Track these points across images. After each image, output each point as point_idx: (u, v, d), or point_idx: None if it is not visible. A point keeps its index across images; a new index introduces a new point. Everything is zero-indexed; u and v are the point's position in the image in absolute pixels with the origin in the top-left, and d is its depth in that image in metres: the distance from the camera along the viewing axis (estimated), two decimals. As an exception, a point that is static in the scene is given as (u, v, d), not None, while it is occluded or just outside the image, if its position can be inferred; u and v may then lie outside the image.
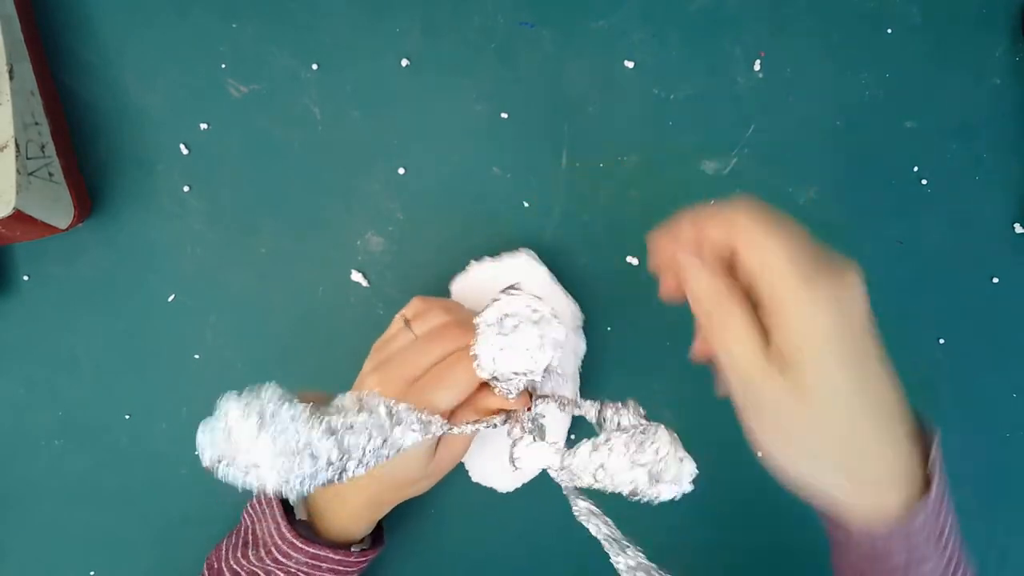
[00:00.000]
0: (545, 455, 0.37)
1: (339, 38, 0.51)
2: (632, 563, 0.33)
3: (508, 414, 0.40)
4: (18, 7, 0.48)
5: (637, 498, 0.34)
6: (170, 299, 0.51)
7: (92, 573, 0.51)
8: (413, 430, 0.35)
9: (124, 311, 0.51)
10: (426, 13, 0.51)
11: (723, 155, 0.51)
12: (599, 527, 0.35)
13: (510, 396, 0.39)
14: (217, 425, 0.31)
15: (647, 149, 0.51)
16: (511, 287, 0.38)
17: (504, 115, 0.51)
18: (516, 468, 0.38)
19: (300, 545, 0.42)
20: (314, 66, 0.51)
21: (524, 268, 0.48)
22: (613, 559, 0.33)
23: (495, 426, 0.39)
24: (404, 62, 0.51)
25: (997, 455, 0.51)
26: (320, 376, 0.50)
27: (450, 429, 0.37)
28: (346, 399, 0.35)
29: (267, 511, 0.44)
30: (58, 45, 0.50)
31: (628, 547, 0.34)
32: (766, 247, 0.30)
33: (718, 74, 0.51)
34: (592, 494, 0.36)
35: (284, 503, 0.44)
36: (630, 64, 0.51)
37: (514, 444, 0.38)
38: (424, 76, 0.51)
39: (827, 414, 0.29)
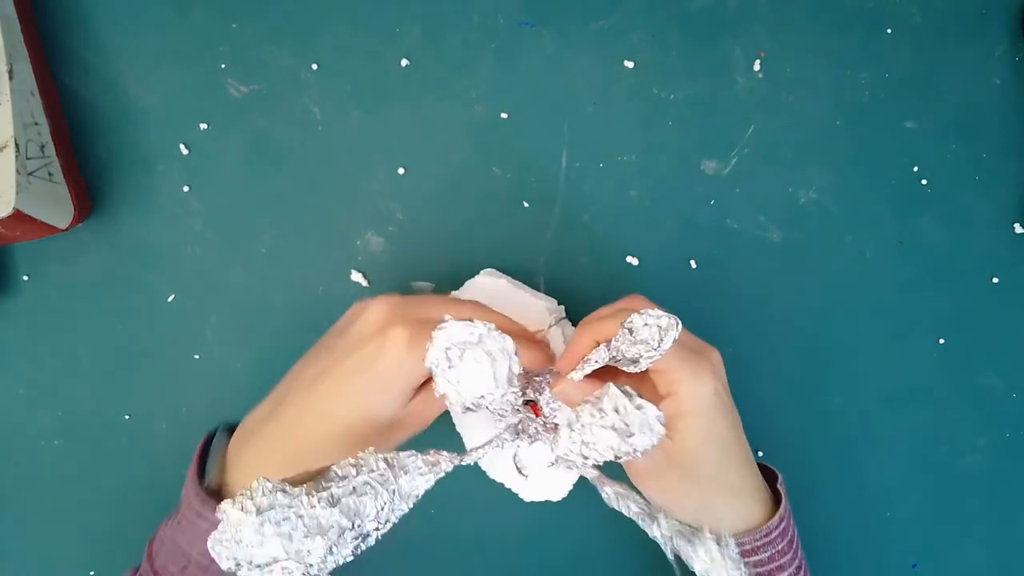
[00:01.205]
0: (544, 453, 0.37)
1: (339, 38, 0.51)
2: (667, 531, 0.36)
3: (516, 427, 0.40)
4: (18, 7, 0.48)
5: (623, 458, 0.34)
6: (170, 299, 0.51)
7: (92, 573, 0.51)
8: (421, 474, 0.35)
9: (124, 311, 0.51)
10: (426, 13, 0.51)
11: (723, 155, 0.51)
12: (630, 507, 0.37)
13: (504, 417, 0.39)
14: (224, 535, 0.31)
15: (647, 149, 0.51)
16: (442, 321, 0.38)
17: (504, 115, 0.51)
18: (525, 476, 0.38)
19: (205, 515, 0.39)
20: (314, 66, 0.51)
21: (485, 287, 0.48)
22: (649, 533, 0.36)
23: (502, 445, 0.39)
24: (404, 62, 0.51)
25: (997, 455, 0.51)
26: (320, 376, 0.50)
27: (461, 461, 0.37)
28: (343, 465, 0.35)
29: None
30: (58, 45, 0.50)
31: (659, 516, 0.36)
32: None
33: (718, 74, 0.51)
34: (616, 474, 0.39)
35: (202, 461, 0.42)
36: (630, 64, 0.51)
37: (515, 455, 0.38)
38: (424, 76, 0.51)
39: (702, 460, 0.38)
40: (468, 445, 0.49)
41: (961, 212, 0.51)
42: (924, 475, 0.51)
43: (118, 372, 0.51)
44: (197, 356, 0.51)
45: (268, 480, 0.32)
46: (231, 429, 0.45)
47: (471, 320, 0.35)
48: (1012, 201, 0.51)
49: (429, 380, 0.39)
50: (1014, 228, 0.51)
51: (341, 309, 0.51)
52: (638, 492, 0.39)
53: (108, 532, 0.51)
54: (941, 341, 0.51)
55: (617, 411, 0.34)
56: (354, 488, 0.33)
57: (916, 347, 0.51)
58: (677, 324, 0.34)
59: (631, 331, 0.35)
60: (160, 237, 0.51)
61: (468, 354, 0.35)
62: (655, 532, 0.36)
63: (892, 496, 0.51)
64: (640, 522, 0.36)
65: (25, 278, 0.51)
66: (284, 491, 0.32)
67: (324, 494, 0.32)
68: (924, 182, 0.51)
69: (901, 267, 0.51)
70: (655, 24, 0.51)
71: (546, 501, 0.48)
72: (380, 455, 0.35)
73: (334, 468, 0.34)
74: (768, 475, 0.44)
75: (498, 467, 0.49)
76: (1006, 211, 0.51)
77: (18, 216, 0.44)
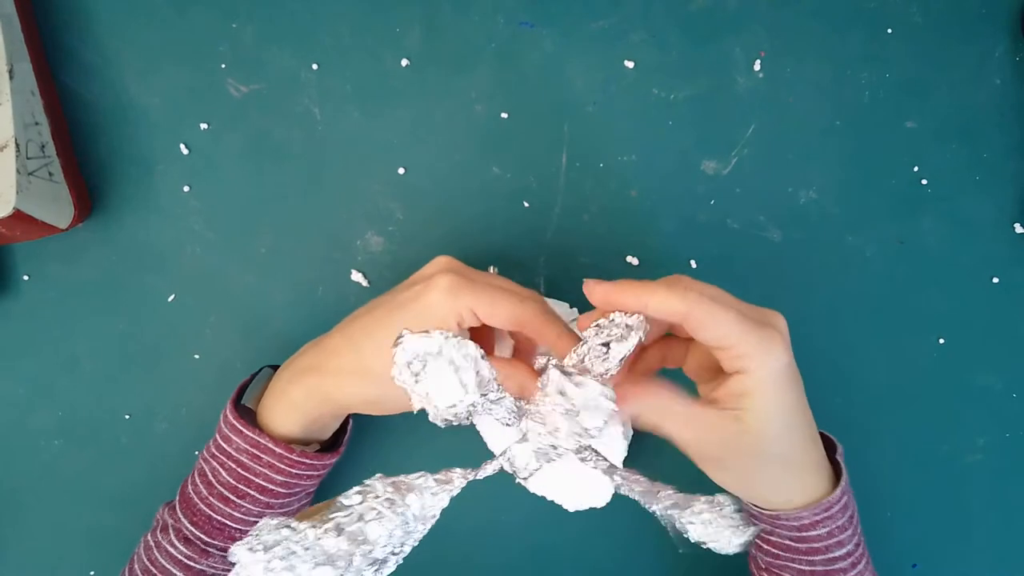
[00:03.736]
0: (530, 451, 0.37)
1: (339, 38, 0.51)
2: (667, 503, 0.34)
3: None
4: (18, 7, 0.48)
5: (589, 442, 0.34)
6: (170, 299, 0.51)
7: (92, 573, 0.51)
8: (433, 493, 0.34)
9: (124, 311, 0.51)
10: (426, 13, 0.51)
11: (723, 155, 0.51)
12: (632, 488, 0.36)
13: (511, 425, 0.38)
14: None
15: (647, 149, 0.51)
16: (398, 336, 0.38)
17: (504, 115, 0.51)
18: (525, 478, 0.38)
19: (239, 428, 0.41)
20: (314, 66, 0.51)
21: None
22: (649, 509, 0.35)
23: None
24: (404, 62, 0.51)
25: (997, 455, 0.51)
26: (320, 376, 0.50)
27: (475, 476, 0.36)
28: (348, 495, 0.35)
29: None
30: (58, 45, 0.50)
31: (660, 492, 0.35)
32: (717, 314, 0.34)
33: (718, 74, 0.51)
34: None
35: (240, 393, 0.43)
36: (630, 64, 0.51)
37: (507, 455, 0.38)
38: (424, 76, 0.51)
39: (772, 438, 0.36)
40: (491, 446, 0.48)
41: (961, 212, 0.51)
42: (924, 475, 0.51)
43: (118, 372, 0.51)
44: (197, 356, 0.51)
45: (272, 519, 0.32)
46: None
47: (427, 332, 0.34)
48: (1012, 201, 0.51)
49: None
50: (1014, 228, 0.51)
51: (341, 309, 0.51)
52: (642, 473, 0.38)
53: (108, 532, 0.51)
54: (941, 341, 0.51)
55: (562, 393, 0.34)
56: (360, 516, 0.33)
57: (916, 347, 0.51)
58: (643, 325, 0.34)
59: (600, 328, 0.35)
60: (160, 237, 0.51)
61: (431, 366, 0.35)
62: (654, 507, 0.35)
63: (892, 496, 0.51)
64: (642, 500, 0.35)
65: (25, 278, 0.51)
66: (289, 527, 0.32)
67: (329, 525, 0.32)
68: (924, 182, 0.51)
69: (901, 267, 0.51)
70: (655, 24, 0.51)
71: (591, 508, 0.47)
72: (387, 480, 0.34)
73: (339, 499, 0.34)
74: (827, 444, 0.41)
75: (537, 480, 0.48)
76: (1006, 211, 0.51)
77: (18, 216, 0.44)
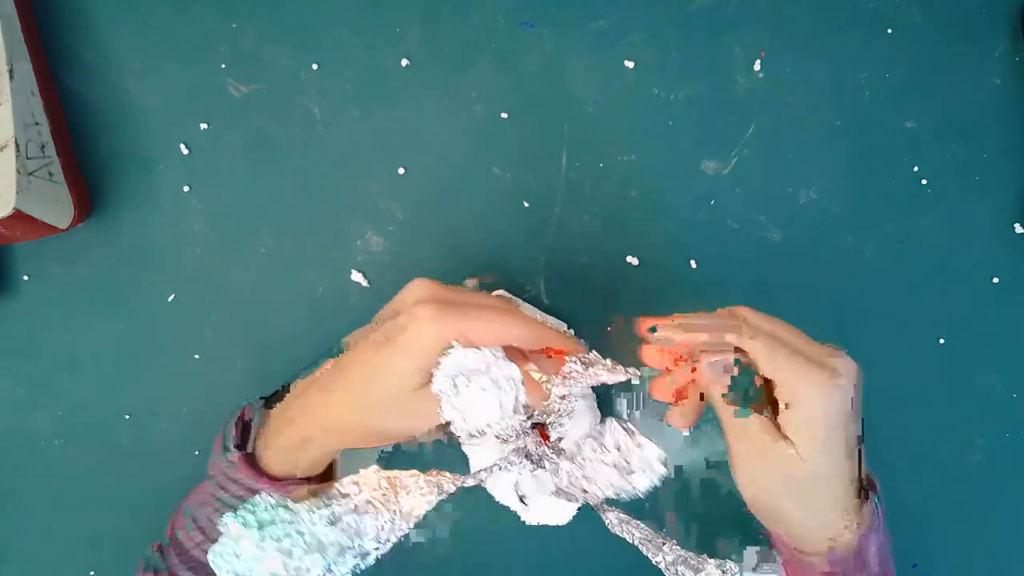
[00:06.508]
0: (545, 482, 0.37)
1: (339, 38, 0.51)
2: (671, 558, 0.35)
3: (523, 450, 0.40)
4: (18, 7, 0.48)
5: (622, 496, 0.34)
6: (170, 299, 0.51)
7: (92, 573, 0.51)
8: (422, 494, 0.34)
9: (124, 311, 0.51)
10: (426, 13, 0.51)
11: (723, 155, 0.51)
12: (632, 533, 0.36)
13: (509, 440, 0.38)
14: (225, 548, 0.32)
15: (647, 149, 0.51)
16: (447, 347, 0.37)
17: (504, 115, 0.51)
18: (526, 505, 0.38)
19: (252, 479, 0.38)
20: (314, 66, 0.51)
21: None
22: (653, 559, 0.36)
23: (507, 468, 0.38)
24: (404, 62, 0.51)
25: (997, 455, 0.51)
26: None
27: (463, 483, 0.36)
28: (345, 483, 0.34)
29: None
30: (58, 45, 0.50)
31: (664, 544, 0.36)
32: (776, 346, 0.35)
33: (718, 74, 0.51)
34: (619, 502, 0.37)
35: (245, 431, 0.41)
36: (630, 64, 0.51)
37: (516, 483, 0.38)
38: (424, 76, 0.51)
39: (812, 476, 0.36)
40: (473, 466, 0.49)
41: (961, 212, 0.51)
42: (924, 475, 0.51)
43: (118, 372, 0.51)
44: (197, 356, 0.51)
45: (271, 495, 0.32)
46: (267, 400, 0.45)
47: (478, 348, 0.35)
48: (1012, 201, 0.51)
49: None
50: (1014, 228, 0.51)
51: (341, 309, 0.51)
52: (640, 519, 0.38)
53: (108, 532, 0.51)
54: (941, 341, 0.51)
55: (619, 448, 0.34)
56: (355, 507, 0.33)
57: (916, 347, 0.51)
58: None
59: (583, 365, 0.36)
60: (160, 237, 0.51)
61: (475, 382, 0.35)
62: (658, 559, 0.35)
63: (892, 496, 0.51)
64: (643, 548, 0.36)
65: (25, 278, 0.51)
66: (286, 507, 0.32)
67: (325, 511, 0.32)
68: (924, 182, 0.51)
69: (901, 267, 0.51)
70: (655, 24, 0.51)
71: (548, 525, 0.47)
72: (383, 473, 0.34)
73: (336, 486, 0.34)
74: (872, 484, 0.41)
75: (503, 489, 0.48)
76: (1006, 211, 0.51)
77: (18, 216, 0.44)
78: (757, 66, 0.50)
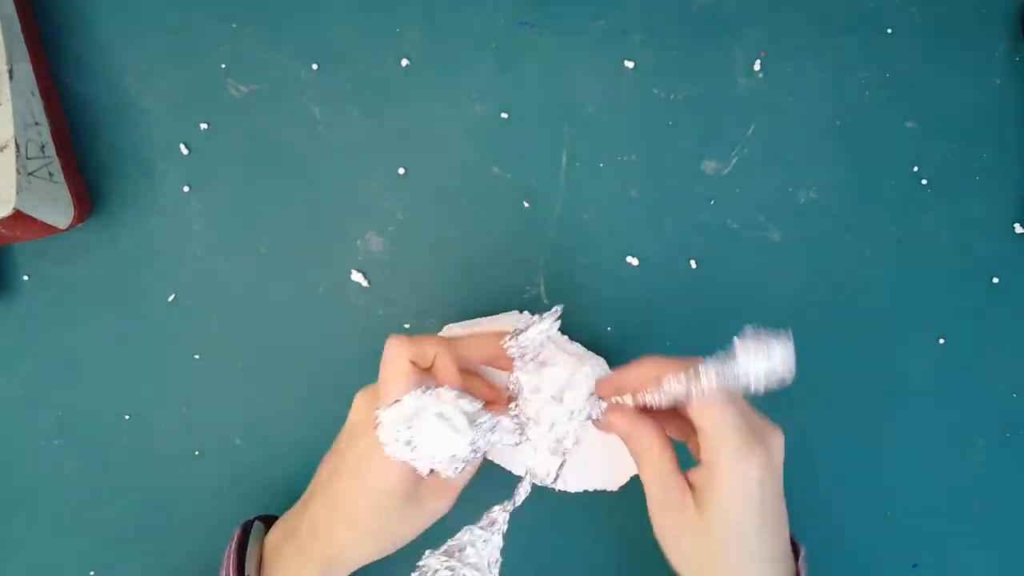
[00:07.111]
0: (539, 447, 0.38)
1: (339, 38, 0.51)
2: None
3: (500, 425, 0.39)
4: (18, 7, 0.48)
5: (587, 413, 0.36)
6: (170, 299, 0.51)
7: (92, 573, 0.51)
8: (485, 540, 0.35)
9: (124, 311, 0.51)
10: (426, 13, 0.51)
11: (723, 155, 0.51)
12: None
13: (515, 443, 0.39)
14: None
15: (647, 149, 0.51)
16: (375, 419, 0.36)
17: (504, 115, 0.51)
18: (555, 488, 0.39)
19: None
20: (314, 66, 0.51)
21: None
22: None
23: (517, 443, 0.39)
24: (404, 62, 0.51)
25: (997, 456, 0.51)
26: (320, 376, 0.50)
27: (513, 507, 0.37)
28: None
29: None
30: (58, 45, 0.51)
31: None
32: (715, 410, 0.35)
33: (718, 74, 0.51)
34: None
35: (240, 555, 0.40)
36: (630, 64, 0.51)
37: (528, 470, 0.38)
38: (424, 76, 0.51)
39: (730, 547, 0.36)
40: (508, 466, 0.47)
41: (961, 212, 0.51)
42: (924, 475, 0.51)
43: (118, 372, 0.51)
44: (197, 356, 0.51)
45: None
46: (265, 520, 0.44)
47: (398, 400, 0.35)
48: (1012, 201, 0.51)
49: None
50: (1014, 228, 0.51)
51: (341, 309, 0.51)
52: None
53: (108, 532, 0.51)
54: (941, 341, 0.51)
55: (537, 390, 0.37)
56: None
57: (916, 347, 0.51)
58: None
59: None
60: (160, 237, 0.51)
61: (417, 427, 0.35)
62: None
63: (892, 496, 0.51)
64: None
65: (25, 278, 0.51)
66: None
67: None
68: (924, 182, 0.51)
69: (901, 267, 0.51)
70: (655, 24, 0.51)
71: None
72: (438, 552, 0.34)
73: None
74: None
75: (567, 478, 0.46)
76: (1006, 211, 0.51)
77: (18, 216, 0.44)
78: (757, 66, 0.51)
